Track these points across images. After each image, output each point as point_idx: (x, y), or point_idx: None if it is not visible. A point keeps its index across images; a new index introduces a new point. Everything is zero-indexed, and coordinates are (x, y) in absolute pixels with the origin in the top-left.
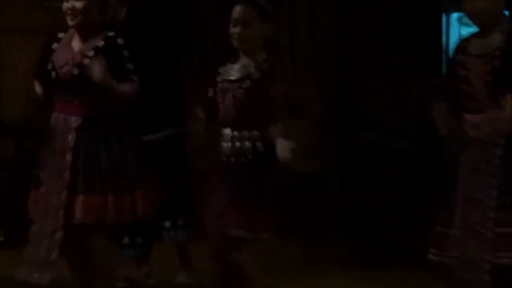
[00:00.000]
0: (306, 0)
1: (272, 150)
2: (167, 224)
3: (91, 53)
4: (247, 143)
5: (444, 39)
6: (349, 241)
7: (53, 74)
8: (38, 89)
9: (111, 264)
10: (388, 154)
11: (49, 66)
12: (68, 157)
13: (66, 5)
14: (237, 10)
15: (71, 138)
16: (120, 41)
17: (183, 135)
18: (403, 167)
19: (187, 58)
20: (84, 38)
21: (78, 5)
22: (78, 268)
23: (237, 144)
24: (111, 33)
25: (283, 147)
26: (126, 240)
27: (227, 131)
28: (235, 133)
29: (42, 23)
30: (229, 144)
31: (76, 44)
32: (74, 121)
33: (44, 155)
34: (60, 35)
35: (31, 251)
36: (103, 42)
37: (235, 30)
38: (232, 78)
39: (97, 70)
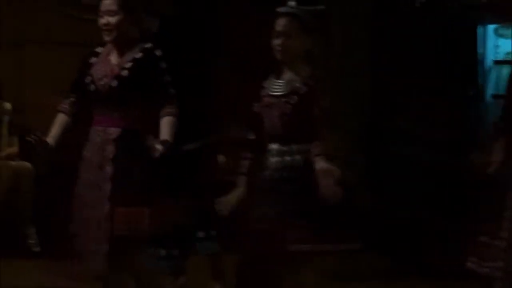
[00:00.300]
0: (339, 13)
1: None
2: (201, 234)
3: (128, 65)
4: (297, 157)
5: (480, 50)
6: (380, 253)
7: (92, 87)
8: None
9: (152, 276)
10: (419, 167)
11: (88, 80)
12: (108, 168)
13: (101, 20)
14: (279, 23)
15: (110, 149)
16: (158, 53)
17: (216, 146)
18: (435, 180)
19: (220, 70)
20: (121, 51)
21: (112, 20)
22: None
23: (287, 158)
24: (148, 45)
25: (326, 184)
26: (162, 253)
27: (275, 146)
28: (284, 148)
29: (71, 35)
30: (279, 158)
31: (114, 57)
32: (113, 132)
33: (82, 168)
34: (98, 49)
35: (77, 264)
36: (141, 54)
37: (277, 42)
38: (277, 93)
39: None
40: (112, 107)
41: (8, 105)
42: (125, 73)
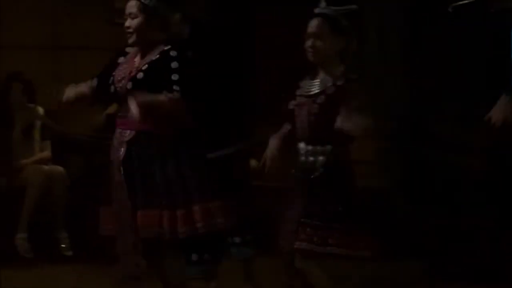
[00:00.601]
0: (375, 17)
1: (344, 165)
2: (237, 240)
3: (145, 67)
4: (320, 158)
5: None
6: (416, 258)
7: (112, 88)
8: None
9: (182, 279)
10: (455, 171)
11: (110, 81)
12: (122, 170)
13: (125, 23)
14: (310, 24)
15: (122, 151)
16: (172, 53)
17: (251, 150)
18: (471, 184)
19: (253, 73)
20: (144, 54)
21: (133, 23)
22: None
23: (311, 158)
24: (167, 47)
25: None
26: (194, 257)
27: (302, 145)
28: (309, 147)
29: (104, 39)
30: (303, 158)
31: (138, 59)
32: (128, 134)
33: (110, 171)
34: (128, 49)
35: (121, 268)
36: (158, 56)
37: (308, 43)
38: (308, 93)
39: (133, 107)
40: (128, 109)
41: (40, 110)
42: (140, 75)
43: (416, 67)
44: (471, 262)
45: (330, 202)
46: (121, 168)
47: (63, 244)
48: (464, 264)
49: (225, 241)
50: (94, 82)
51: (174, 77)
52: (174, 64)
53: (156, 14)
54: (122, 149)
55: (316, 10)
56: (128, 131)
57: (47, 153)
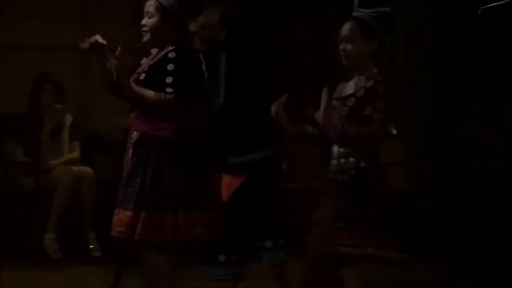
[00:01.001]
0: (403, 20)
1: (376, 168)
2: (268, 244)
3: (147, 68)
4: (351, 159)
5: None
6: (445, 263)
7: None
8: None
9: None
10: (485, 174)
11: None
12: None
13: (142, 21)
14: (343, 28)
15: (130, 153)
16: (171, 55)
17: (281, 155)
18: (500, 188)
19: (288, 77)
20: (157, 55)
21: (148, 22)
22: None
23: (342, 160)
24: (170, 48)
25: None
26: (222, 258)
27: (334, 148)
28: (341, 150)
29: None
30: (335, 161)
31: (151, 60)
32: (134, 136)
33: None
34: (152, 50)
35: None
36: (160, 57)
37: (340, 47)
38: (341, 96)
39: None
40: (135, 111)
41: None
42: (142, 76)
43: (444, 70)
44: (497, 265)
45: (363, 204)
46: (127, 170)
47: (91, 245)
48: (490, 267)
49: (256, 245)
50: None
51: (168, 80)
52: (170, 67)
53: (172, 15)
54: (130, 150)
55: (348, 14)
56: (135, 133)
57: (75, 154)
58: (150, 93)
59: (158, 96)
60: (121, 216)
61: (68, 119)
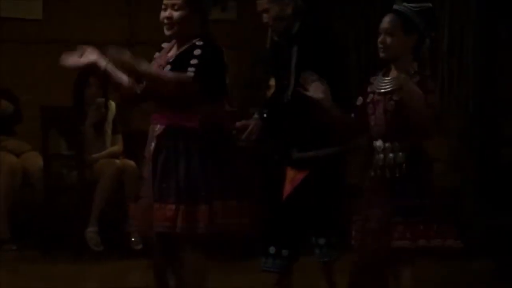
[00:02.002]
0: (447, 16)
1: (425, 161)
2: (321, 241)
3: (172, 59)
4: (400, 154)
5: None
6: (489, 260)
7: (145, 83)
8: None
9: (205, 280)
10: None
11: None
12: (151, 165)
13: (163, 13)
14: (383, 20)
15: (153, 146)
16: (198, 43)
17: (344, 153)
18: None
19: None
20: (179, 48)
21: (176, 15)
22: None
23: (390, 155)
24: (199, 42)
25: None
26: (272, 250)
27: (379, 143)
28: (387, 144)
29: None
30: (382, 155)
31: (172, 53)
32: (158, 129)
33: (143, 166)
34: (164, 44)
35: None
36: (185, 48)
37: (379, 39)
38: (383, 90)
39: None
40: (158, 104)
41: (113, 104)
42: (167, 68)
43: (490, 65)
44: None
45: (416, 197)
46: (151, 162)
47: (133, 238)
48: None
49: (309, 241)
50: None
51: (193, 61)
52: (196, 51)
53: (200, 8)
54: (153, 143)
55: (391, 7)
56: (158, 126)
57: (118, 147)
58: (168, 73)
59: (177, 74)
60: (164, 211)
61: (111, 112)
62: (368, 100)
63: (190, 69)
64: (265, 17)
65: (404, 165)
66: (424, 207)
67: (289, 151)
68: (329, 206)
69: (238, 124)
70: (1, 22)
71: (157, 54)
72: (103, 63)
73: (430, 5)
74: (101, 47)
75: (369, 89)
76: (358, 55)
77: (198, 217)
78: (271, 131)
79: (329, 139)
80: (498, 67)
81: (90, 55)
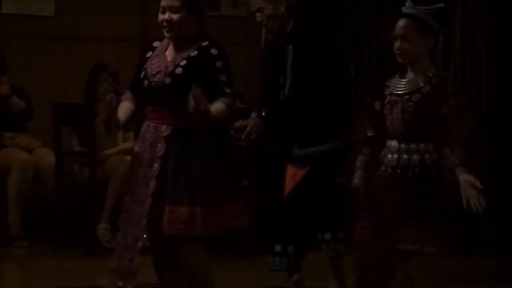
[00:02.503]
0: (459, 13)
1: (439, 165)
2: (327, 236)
3: (183, 63)
4: (414, 156)
5: None
6: (502, 255)
7: (146, 82)
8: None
9: (210, 276)
10: None
11: (142, 75)
12: (156, 166)
13: (162, 16)
14: (397, 25)
15: (160, 146)
16: (213, 51)
17: (345, 148)
18: None
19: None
20: (178, 48)
21: (175, 17)
22: (169, 280)
23: (404, 156)
24: (205, 43)
25: (469, 192)
26: (278, 248)
27: (394, 143)
28: (402, 145)
29: None
30: (395, 156)
31: (170, 53)
32: (165, 129)
33: (134, 165)
34: (156, 44)
35: (115, 259)
36: (196, 52)
37: (395, 45)
38: (400, 92)
39: (192, 103)
40: (165, 104)
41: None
42: (179, 71)
43: (501, 65)
44: None
45: (426, 201)
46: (157, 163)
47: (144, 235)
48: None
49: (315, 237)
50: (128, 93)
51: (223, 77)
52: (219, 64)
53: (198, 9)
54: (160, 144)
55: (403, 10)
56: (164, 126)
57: (130, 144)
58: (221, 107)
59: (229, 104)
60: (177, 214)
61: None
62: (386, 101)
63: (226, 89)
64: (259, 16)
65: (417, 168)
66: (433, 212)
67: (289, 148)
68: (332, 201)
69: (237, 124)
70: (13, 18)
71: (149, 53)
72: None
73: (442, 5)
74: (113, 43)
75: (386, 92)
76: (370, 52)
77: (213, 218)
78: (270, 129)
79: (329, 134)
80: (509, 63)
81: None
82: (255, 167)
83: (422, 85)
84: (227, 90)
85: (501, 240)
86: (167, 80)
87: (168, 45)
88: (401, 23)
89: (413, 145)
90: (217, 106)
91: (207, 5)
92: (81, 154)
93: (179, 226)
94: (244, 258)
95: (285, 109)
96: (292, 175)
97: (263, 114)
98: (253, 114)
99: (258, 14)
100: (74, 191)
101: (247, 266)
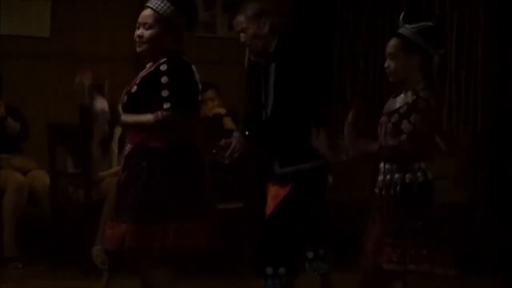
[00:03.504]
0: (455, 32)
1: (422, 183)
2: (309, 255)
3: (138, 80)
4: (396, 175)
5: None
6: (500, 275)
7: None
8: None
9: None
10: None
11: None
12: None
13: (136, 31)
14: (388, 44)
15: (123, 165)
16: (162, 67)
17: (325, 166)
18: None
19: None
20: (151, 66)
21: (147, 33)
22: None
23: (388, 176)
24: (162, 61)
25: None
26: (269, 270)
27: (381, 164)
28: (387, 165)
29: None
30: (381, 177)
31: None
32: (127, 148)
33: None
34: (148, 64)
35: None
36: (152, 69)
37: (385, 65)
38: (387, 112)
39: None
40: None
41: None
42: (134, 89)
43: (498, 81)
44: None
45: (408, 219)
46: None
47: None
48: None
49: (299, 255)
50: None
51: (164, 93)
52: (163, 79)
53: (171, 26)
54: (123, 163)
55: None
56: (128, 145)
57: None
58: (146, 117)
59: (156, 116)
60: (116, 230)
61: (118, 130)
62: (379, 121)
63: (165, 105)
64: (243, 37)
65: (398, 186)
66: (415, 230)
67: (271, 167)
68: (313, 220)
69: (221, 142)
70: (9, 38)
71: (140, 73)
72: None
73: (431, 23)
74: (109, 63)
75: (383, 111)
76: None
77: (150, 237)
78: (253, 148)
79: (310, 153)
80: (507, 83)
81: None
82: (238, 187)
83: (401, 105)
84: (165, 105)
85: (499, 259)
86: (125, 99)
87: (151, 64)
88: (391, 42)
89: (395, 165)
90: (142, 116)
91: (203, 27)
92: (76, 176)
93: (116, 242)
94: (239, 279)
95: (267, 129)
96: (274, 195)
97: (246, 133)
98: (235, 134)
99: (242, 34)
100: (69, 212)
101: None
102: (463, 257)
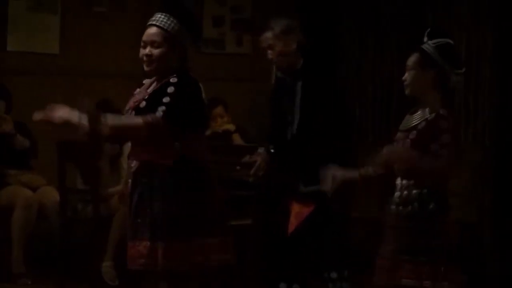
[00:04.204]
0: (464, 48)
1: (439, 199)
2: (333, 275)
3: (147, 96)
4: (414, 191)
5: None
6: None
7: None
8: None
9: None
10: None
11: (124, 111)
12: (129, 201)
13: (143, 51)
14: (408, 58)
15: (130, 182)
16: (172, 80)
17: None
18: None
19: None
20: (157, 83)
21: (156, 52)
22: None
23: (405, 192)
24: (173, 79)
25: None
26: (283, 286)
27: (398, 180)
28: (404, 181)
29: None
30: (398, 193)
31: (151, 89)
32: (134, 165)
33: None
34: (145, 80)
35: None
36: (160, 84)
37: (404, 77)
38: (403, 128)
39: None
40: (132, 141)
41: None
42: (142, 104)
43: (506, 98)
44: None
45: (426, 236)
46: (129, 199)
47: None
48: None
49: (321, 276)
50: None
51: (165, 99)
52: (170, 89)
53: (179, 44)
54: (130, 180)
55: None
56: (134, 162)
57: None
58: (136, 119)
59: (145, 117)
60: (140, 248)
61: (127, 147)
62: (396, 138)
63: (160, 108)
64: (270, 54)
65: (416, 203)
66: (432, 247)
67: (295, 185)
68: (337, 240)
69: (245, 159)
70: (18, 55)
71: (137, 90)
72: (75, 118)
73: (449, 40)
74: (117, 80)
75: (400, 127)
76: (374, 87)
77: (176, 253)
78: (278, 166)
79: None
80: None
81: (63, 113)
82: (260, 204)
83: (419, 122)
84: (160, 108)
85: (508, 276)
86: (132, 114)
87: (153, 81)
88: (411, 56)
89: (412, 182)
90: (124, 117)
91: (212, 43)
92: (85, 192)
93: (140, 261)
94: None
95: (292, 146)
96: (297, 213)
97: (271, 150)
98: (261, 150)
99: (269, 51)
100: (78, 228)
101: None
102: (470, 274)
